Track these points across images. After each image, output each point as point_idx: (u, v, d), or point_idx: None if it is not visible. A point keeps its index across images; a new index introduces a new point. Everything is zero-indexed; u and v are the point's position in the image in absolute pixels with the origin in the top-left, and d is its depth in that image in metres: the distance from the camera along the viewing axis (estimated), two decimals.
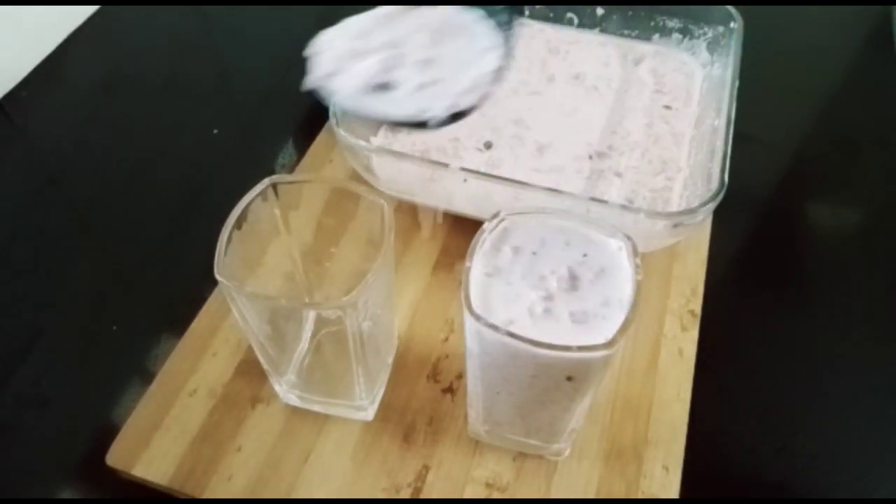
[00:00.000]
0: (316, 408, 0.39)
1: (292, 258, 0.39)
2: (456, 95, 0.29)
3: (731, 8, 0.52)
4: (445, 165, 0.42)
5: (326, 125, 0.51)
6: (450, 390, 0.41)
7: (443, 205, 0.46)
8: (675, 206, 0.46)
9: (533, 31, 0.58)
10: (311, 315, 0.40)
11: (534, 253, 0.32)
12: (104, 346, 0.45)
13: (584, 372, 0.30)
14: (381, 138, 0.50)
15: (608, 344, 0.28)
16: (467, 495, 0.37)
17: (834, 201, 0.55)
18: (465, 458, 0.38)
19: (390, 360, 0.41)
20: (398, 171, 0.44)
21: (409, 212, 0.49)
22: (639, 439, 0.39)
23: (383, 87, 0.30)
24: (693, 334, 0.43)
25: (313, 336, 0.40)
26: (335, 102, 0.31)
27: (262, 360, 0.37)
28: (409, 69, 0.30)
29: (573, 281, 0.30)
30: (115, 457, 0.38)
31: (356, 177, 0.46)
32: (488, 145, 0.49)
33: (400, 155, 0.44)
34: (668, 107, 0.52)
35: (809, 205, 0.55)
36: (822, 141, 0.59)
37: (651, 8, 0.56)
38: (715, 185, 0.40)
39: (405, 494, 0.37)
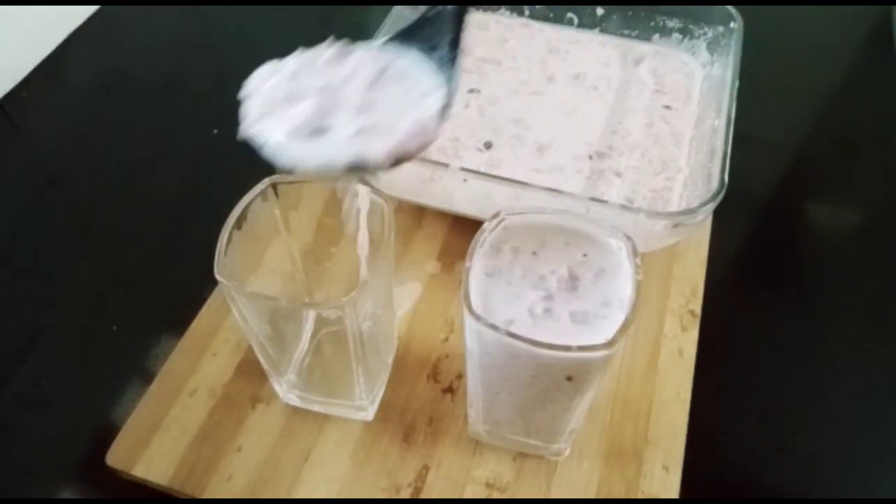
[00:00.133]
0: (316, 408, 0.39)
1: (292, 258, 0.39)
2: (397, 141, 0.28)
3: (731, 8, 0.52)
4: (445, 165, 0.42)
5: None
6: (450, 390, 0.41)
7: (443, 205, 0.46)
8: (675, 206, 0.46)
9: (533, 31, 0.58)
10: (311, 315, 0.40)
11: (534, 253, 0.32)
12: (104, 346, 0.45)
13: (584, 372, 0.30)
14: None
15: (608, 344, 0.28)
16: (467, 495, 0.37)
17: (834, 201, 0.55)
18: (465, 458, 0.38)
19: (390, 360, 0.41)
20: (398, 171, 0.44)
21: (409, 212, 0.49)
22: (639, 439, 0.39)
23: (317, 132, 0.28)
24: (693, 334, 0.43)
25: (313, 336, 0.40)
26: (266, 154, 0.30)
27: (262, 360, 0.37)
28: (345, 114, 0.29)
29: (573, 281, 0.31)
30: (115, 457, 0.38)
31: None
32: (488, 145, 0.49)
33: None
34: (668, 107, 0.52)
35: (809, 205, 0.55)
36: (822, 141, 0.59)
37: (651, 8, 0.56)
38: (715, 185, 0.40)
39: (405, 494, 0.37)
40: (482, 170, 0.44)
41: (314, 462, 0.38)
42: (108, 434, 0.39)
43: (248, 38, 0.66)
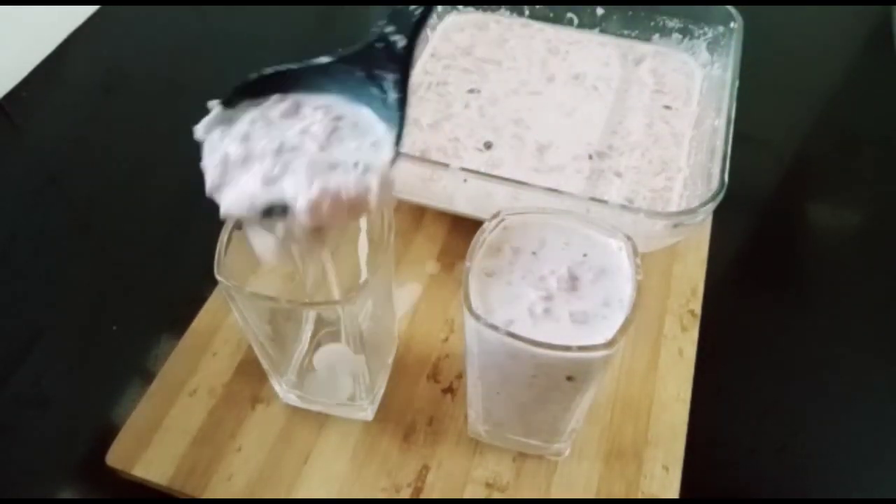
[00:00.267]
0: (316, 408, 0.39)
1: (292, 258, 0.39)
2: (321, 189, 0.27)
3: (731, 8, 0.52)
4: (445, 165, 0.42)
5: None
6: (450, 390, 0.41)
7: (443, 205, 0.46)
8: (675, 206, 0.46)
9: (533, 31, 0.58)
10: (311, 315, 0.40)
11: (534, 253, 0.32)
12: (104, 346, 0.45)
13: (584, 372, 0.30)
14: None
15: (608, 344, 0.28)
16: (467, 495, 0.37)
17: (834, 201, 0.55)
18: (465, 459, 0.38)
19: (390, 360, 0.41)
20: (398, 170, 0.44)
21: (409, 212, 0.49)
22: (639, 439, 0.39)
23: (271, 211, 0.28)
24: (693, 334, 0.43)
25: (313, 336, 0.40)
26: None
27: (262, 360, 0.37)
28: (299, 174, 0.28)
29: (573, 281, 0.30)
30: (115, 457, 0.38)
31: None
32: (488, 145, 0.49)
33: (400, 155, 0.44)
34: (668, 107, 0.52)
35: (809, 205, 0.55)
36: (822, 141, 0.59)
37: (651, 8, 0.56)
38: (715, 185, 0.40)
39: (405, 494, 0.37)
40: (482, 170, 0.44)
41: (314, 462, 0.38)
42: (108, 434, 0.39)
43: (248, 38, 0.66)
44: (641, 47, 0.57)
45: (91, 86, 0.62)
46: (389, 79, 0.29)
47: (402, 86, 0.29)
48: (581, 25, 0.58)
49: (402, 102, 0.29)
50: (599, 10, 0.57)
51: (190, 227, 0.50)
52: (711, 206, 0.39)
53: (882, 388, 0.44)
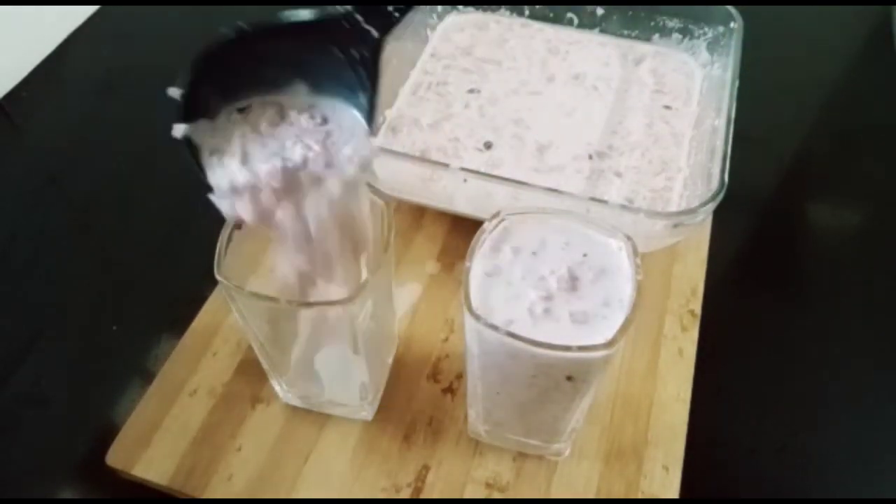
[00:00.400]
0: (316, 408, 0.39)
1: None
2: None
3: (731, 8, 0.52)
4: (445, 165, 0.42)
5: None
6: (450, 390, 0.41)
7: (443, 205, 0.46)
8: (675, 206, 0.46)
9: (533, 31, 0.58)
10: (311, 315, 0.40)
11: (534, 253, 0.32)
12: (104, 346, 0.45)
13: (584, 372, 0.30)
14: (382, 138, 0.50)
15: (608, 344, 0.28)
16: (467, 495, 0.37)
17: (834, 201, 0.55)
18: (465, 458, 0.38)
19: (390, 360, 0.41)
20: (398, 171, 0.44)
21: (409, 212, 0.49)
22: (639, 439, 0.39)
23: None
24: (693, 334, 0.43)
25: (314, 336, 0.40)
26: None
27: (262, 359, 0.37)
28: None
29: (573, 281, 0.31)
30: (115, 457, 0.38)
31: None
32: (488, 145, 0.49)
33: (400, 155, 0.44)
34: (668, 107, 0.52)
35: (809, 205, 0.55)
36: (821, 141, 0.59)
37: (651, 8, 0.56)
38: (715, 185, 0.40)
39: (405, 494, 0.37)
40: (482, 170, 0.44)
41: (314, 462, 0.38)
42: (108, 434, 0.39)
43: None
44: (641, 47, 0.57)
45: (91, 86, 0.62)
46: (362, 67, 0.29)
47: (374, 82, 0.29)
48: (581, 25, 0.58)
49: (373, 99, 0.29)
50: (599, 10, 0.57)
51: (190, 227, 0.50)
52: (711, 206, 0.39)
53: (882, 388, 0.44)
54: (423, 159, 0.45)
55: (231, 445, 0.38)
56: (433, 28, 0.58)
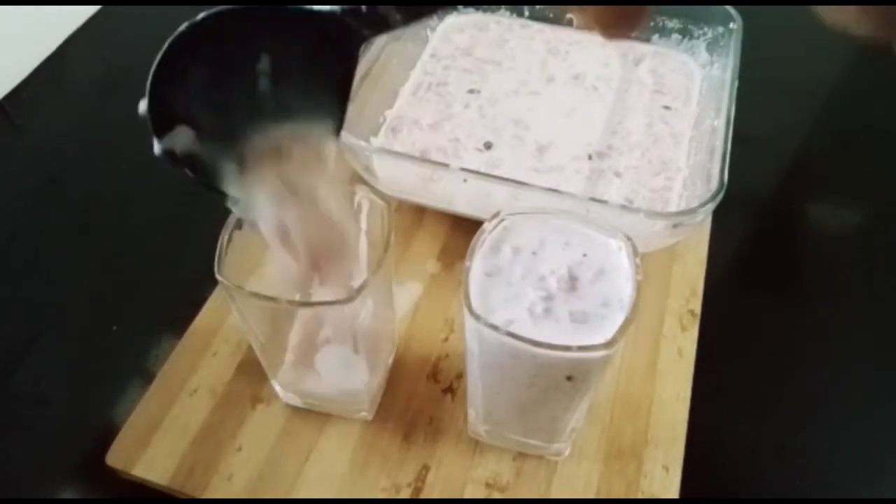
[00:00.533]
0: (316, 408, 0.39)
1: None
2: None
3: (730, 8, 0.52)
4: (446, 166, 0.42)
5: None
6: (450, 390, 0.41)
7: (443, 205, 0.46)
8: (674, 207, 0.46)
9: (533, 32, 0.58)
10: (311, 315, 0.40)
11: (533, 253, 0.32)
12: (104, 346, 0.45)
13: (584, 372, 0.30)
14: (382, 139, 0.50)
15: (608, 344, 0.28)
16: (467, 495, 0.37)
17: (833, 201, 0.55)
18: (465, 458, 0.38)
19: (390, 359, 0.41)
20: (398, 171, 0.44)
21: (409, 212, 0.49)
22: (638, 439, 0.39)
23: None
24: (692, 334, 0.43)
25: (314, 336, 0.40)
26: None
27: (262, 360, 0.37)
28: None
29: (573, 281, 0.31)
30: (116, 457, 0.38)
31: (357, 177, 0.46)
32: (488, 145, 0.50)
33: (400, 155, 0.44)
34: (667, 107, 0.52)
35: (809, 205, 0.55)
36: (821, 141, 0.59)
37: (651, 8, 0.56)
38: (714, 185, 0.40)
39: (405, 494, 0.37)
40: (482, 170, 0.44)
41: (314, 461, 0.38)
42: (108, 434, 0.39)
43: None
44: (641, 47, 0.57)
45: (92, 86, 0.62)
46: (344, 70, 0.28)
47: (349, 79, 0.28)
48: (581, 26, 0.58)
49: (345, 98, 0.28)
50: None
51: (190, 227, 0.50)
52: (711, 206, 0.39)
53: (882, 388, 0.44)
54: (423, 160, 0.45)
55: (231, 445, 0.38)
56: (433, 29, 0.58)
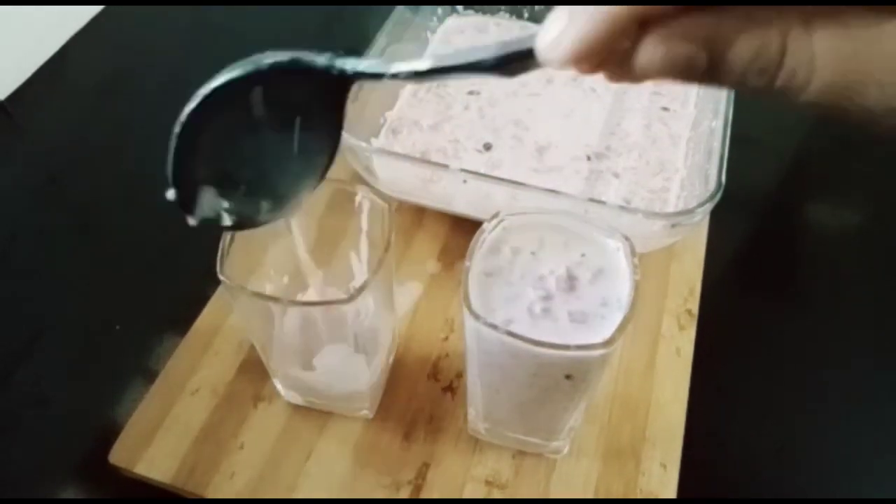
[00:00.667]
0: (317, 406, 0.40)
1: (293, 258, 0.39)
2: None
3: None
4: (445, 166, 0.43)
5: None
6: (450, 389, 0.41)
7: (443, 205, 0.46)
8: (672, 207, 0.46)
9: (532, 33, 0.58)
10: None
11: (533, 253, 0.32)
12: (106, 345, 0.45)
13: (583, 371, 0.30)
14: (382, 139, 0.50)
15: (606, 343, 0.28)
16: (467, 493, 0.37)
17: (832, 202, 0.56)
18: (465, 456, 0.38)
19: (390, 359, 0.42)
20: (399, 171, 0.44)
21: (409, 212, 0.49)
22: (637, 438, 0.39)
23: None
24: (690, 334, 0.43)
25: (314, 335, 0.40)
26: None
27: (263, 359, 0.38)
28: None
29: (571, 281, 0.31)
30: (118, 455, 0.38)
31: (357, 178, 0.46)
32: (488, 146, 0.50)
33: (400, 156, 0.45)
34: (665, 108, 0.53)
35: (806, 205, 0.55)
36: (819, 142, 0.59)
37: None
38: (712, 185, 0.40)
39: (405, 491, 0.37)
40: (482, 171, 0.44)
41: (315, 460, 0.38)
42: (110, 433, 0.39)
43: (250, 40, 0.66)
44: None
45: (94, 87, 0.62)
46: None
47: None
48: None
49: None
50: None
51: (191, 227, 0.51)
52: (709, 207, 0.40)
53: (881, 388, 0.44)
54: (423, 160, 0.46)
55: (233, 444, 0.39)
56: (433, 31, 0.58)
